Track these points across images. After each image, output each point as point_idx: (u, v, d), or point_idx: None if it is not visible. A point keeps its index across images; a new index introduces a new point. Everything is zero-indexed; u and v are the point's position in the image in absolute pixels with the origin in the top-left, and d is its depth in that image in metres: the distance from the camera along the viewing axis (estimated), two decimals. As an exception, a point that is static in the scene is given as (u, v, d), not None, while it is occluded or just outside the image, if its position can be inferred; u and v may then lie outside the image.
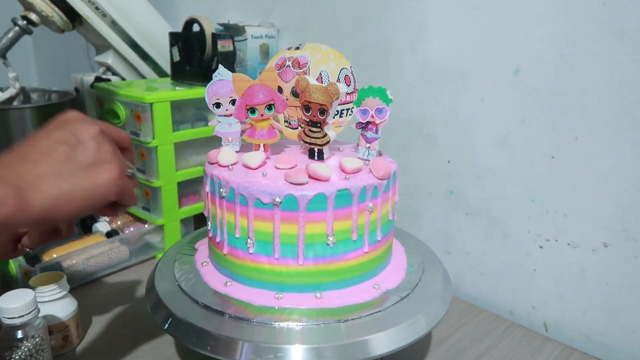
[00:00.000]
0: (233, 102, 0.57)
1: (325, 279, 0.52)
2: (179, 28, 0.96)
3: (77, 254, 0.76)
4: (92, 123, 0.40)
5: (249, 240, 0.52)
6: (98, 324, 0.67)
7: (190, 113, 0.87)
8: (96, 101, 0.93)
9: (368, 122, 0.54)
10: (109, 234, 0.82)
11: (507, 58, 0.70)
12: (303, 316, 0.49)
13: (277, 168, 0.53)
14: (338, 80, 0.61)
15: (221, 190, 0.52)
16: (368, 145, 0.55)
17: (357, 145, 0.56)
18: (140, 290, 0.75)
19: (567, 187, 0.68)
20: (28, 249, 0.51)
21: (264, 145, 0.56)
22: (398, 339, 0.48)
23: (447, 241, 0.83)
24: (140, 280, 0.78)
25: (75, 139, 0.38)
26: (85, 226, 0.87)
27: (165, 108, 0.80)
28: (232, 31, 0.99)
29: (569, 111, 0.66)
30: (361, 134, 0.55)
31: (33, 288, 0.57)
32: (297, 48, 0.62)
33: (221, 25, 1.02)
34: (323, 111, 0.52)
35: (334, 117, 0.58)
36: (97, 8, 0.95)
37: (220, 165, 0.55)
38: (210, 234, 0.57)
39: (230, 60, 0.92)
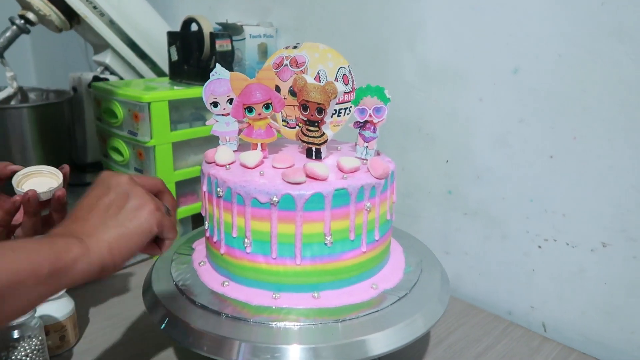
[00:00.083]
0: (230, 101, 0.57)
1: (322, 278, 0.52)
2: (177, 27, 0.96)
3: (74, 253, 0.75)
4: (122, 175, 0.46)
5: (246, 240, 0.51)
6: (95, 324, 0.67)
7: (188, 113, 0.86)
8: (94, 100, 0.93)
9: (366, 122, 0.54)
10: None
11: (506, 58, 0.70)
12: (300, 316, 0.49)
13: (274, 167, 0.53)
14: (336, 79, 0.61)
15: (218, 189, 0.52)
16: (366, 144, 0.55)
17: (355, 145, 0.56)
18: (137, 290, 0.75)
19: (566, 187, 0.68)
20: None
21: (261, 144, 0.56)
22: (396, 339, 0.48)
23: (445, 241, 0.83)
24: (137, 280, 0.78)
25: (112, 191, 0.44)
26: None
27: (163, 107, 0.80)
28: (230, 30, 0.99)
29: (567, 111, 0.66)
30: (359, 133, 0.55)
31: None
32: (295, 47, 0.62)
33: (219, 24, 1.02)
34: (321, 110, 0.52)
35: (331, 116, 0.58)
36: (94, 7, 0.94)
37: (217, 165, 0.54)
38: (208, 234, 0.57)
39: (228, 60, 0.92)
